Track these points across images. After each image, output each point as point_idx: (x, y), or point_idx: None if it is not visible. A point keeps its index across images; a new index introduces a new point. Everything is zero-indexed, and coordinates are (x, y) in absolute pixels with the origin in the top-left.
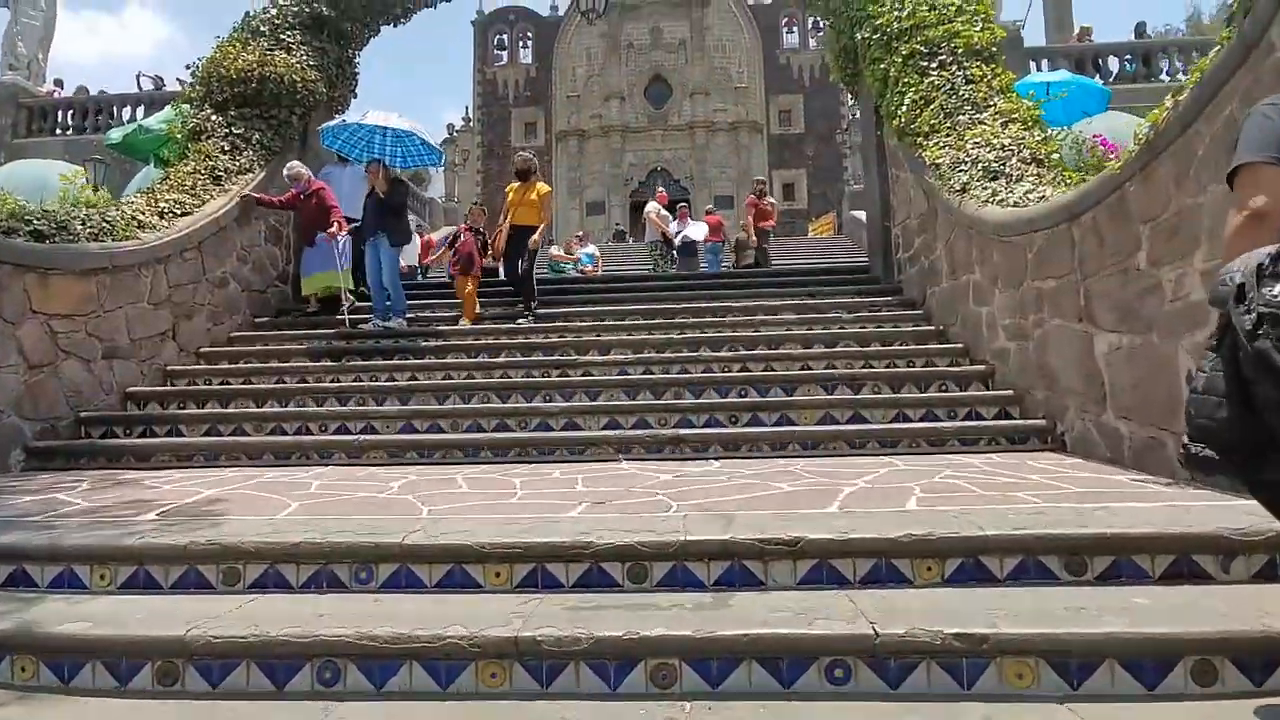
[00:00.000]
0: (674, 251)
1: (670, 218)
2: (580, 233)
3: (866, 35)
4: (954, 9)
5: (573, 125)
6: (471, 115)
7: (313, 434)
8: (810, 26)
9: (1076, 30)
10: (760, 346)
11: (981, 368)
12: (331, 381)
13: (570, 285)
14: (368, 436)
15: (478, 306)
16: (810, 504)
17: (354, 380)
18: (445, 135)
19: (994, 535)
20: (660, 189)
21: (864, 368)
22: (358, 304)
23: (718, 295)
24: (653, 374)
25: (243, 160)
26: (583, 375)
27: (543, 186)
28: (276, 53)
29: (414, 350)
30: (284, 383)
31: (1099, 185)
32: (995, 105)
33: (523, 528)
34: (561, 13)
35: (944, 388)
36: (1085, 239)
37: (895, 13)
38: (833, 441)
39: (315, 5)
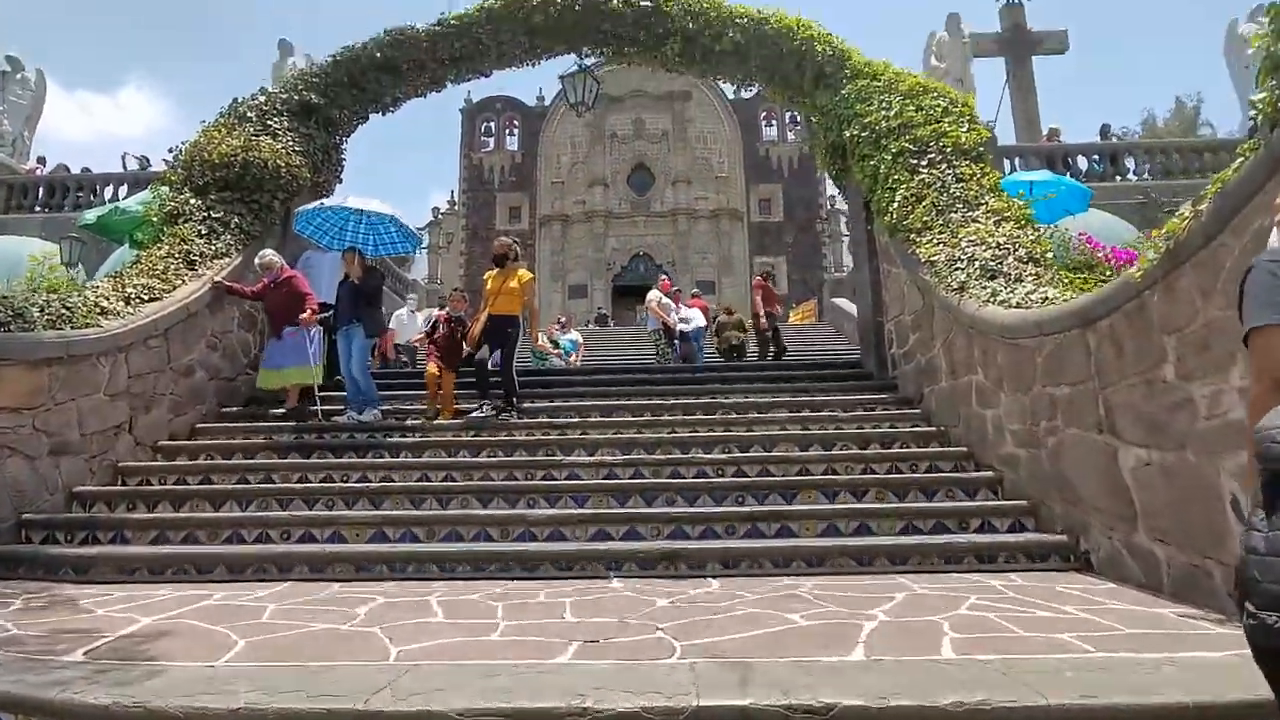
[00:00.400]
0: (676, 341)
1: (672, 306)
2: (562, 318)
3: (855, 133)
4: (940, 110)
5: (557, 210)
6: (457, 199)
7: (274, 542)
8: (788, 120)
9: (1046, 130)
10: (755, 447)
11: (989, 474)
12: (298, 481)
13: (554, 377)
14: (334, 547)
15: (457, 401)
16: (830, 645)
17: (322, 480)
18: (430, 218)
19: (1059, 707)
20: (664, 276)
21: (865, 472)
22: (323, 396)
23: (707, 390)
24: (643, 477)
25: (219, 244)
26: (568, 478)
27: (524, 273)
28: (262, 138)
29: (389, 447)
30: (246, 482)
31: (1116, 291)
32: (987, 203)
33: (505, 685)
34: (548, 103)
35: (951, 495)
36: (1102, 346)
37: (883, 112)
38: (839, 558)
39: (305, 94)
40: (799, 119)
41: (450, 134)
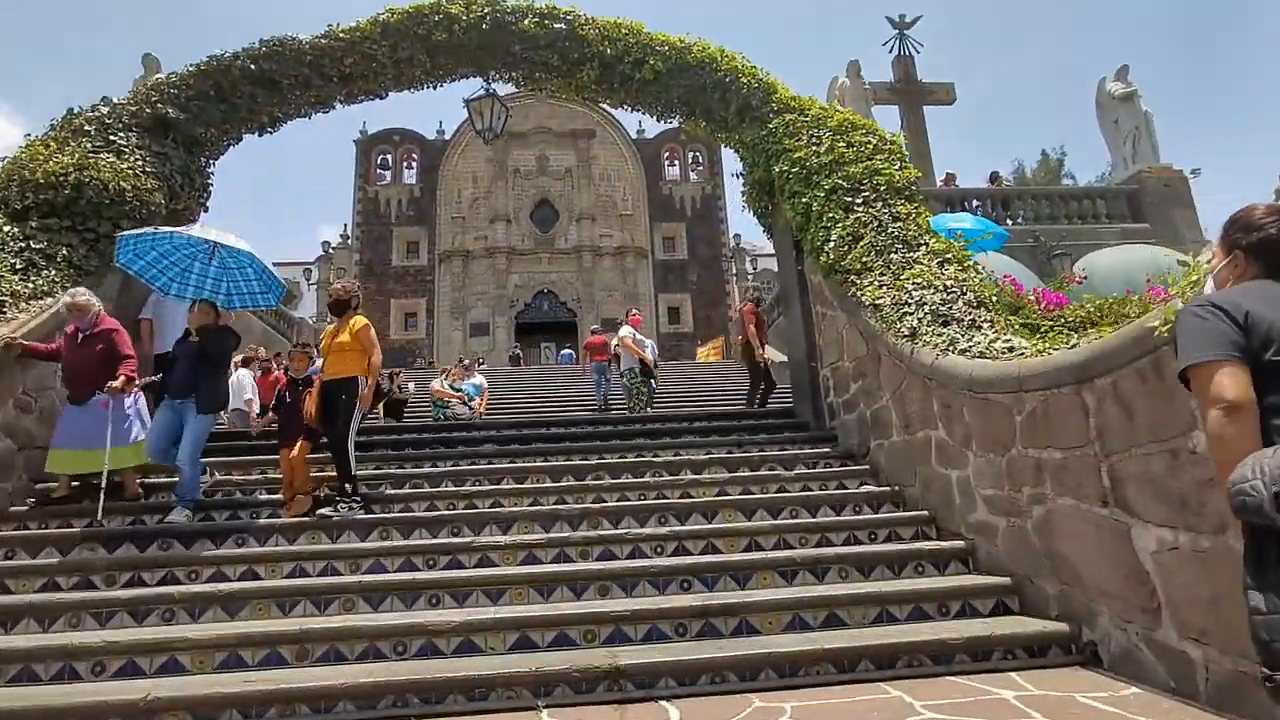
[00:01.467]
0: (652, 381)
1: (647, 343)
2: (465, 360)
3: (784, 168)
4: (870, 147)
5: (457, 245)
6: (350, 232)
7: (81, 679)
8: (690, 161)
9: (943, 176)
10: (695, 516)
11: (960, 544)
12: (127, 584)
13: (456, 434)
14: (167, 683)
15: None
16: None
17: (161, 581)
18: (320, 252)
19: None
20: (635, 311)
21: (821, 543)
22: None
23: (632, 446)
24: (570, 560)
25: (39, 281)
26: (479, 565)
27: (358, 320)
28: (103, 155)
29: (256, 531)
30: (56, 588)
31: (1124, 345)
32: (928, 244)
33: None
34: (448, 135)
35: (921, 569)
36: (1105, 407)
37: (814, 148)
38: (816, 664)
39: (161, 107)
40: (700, 160)
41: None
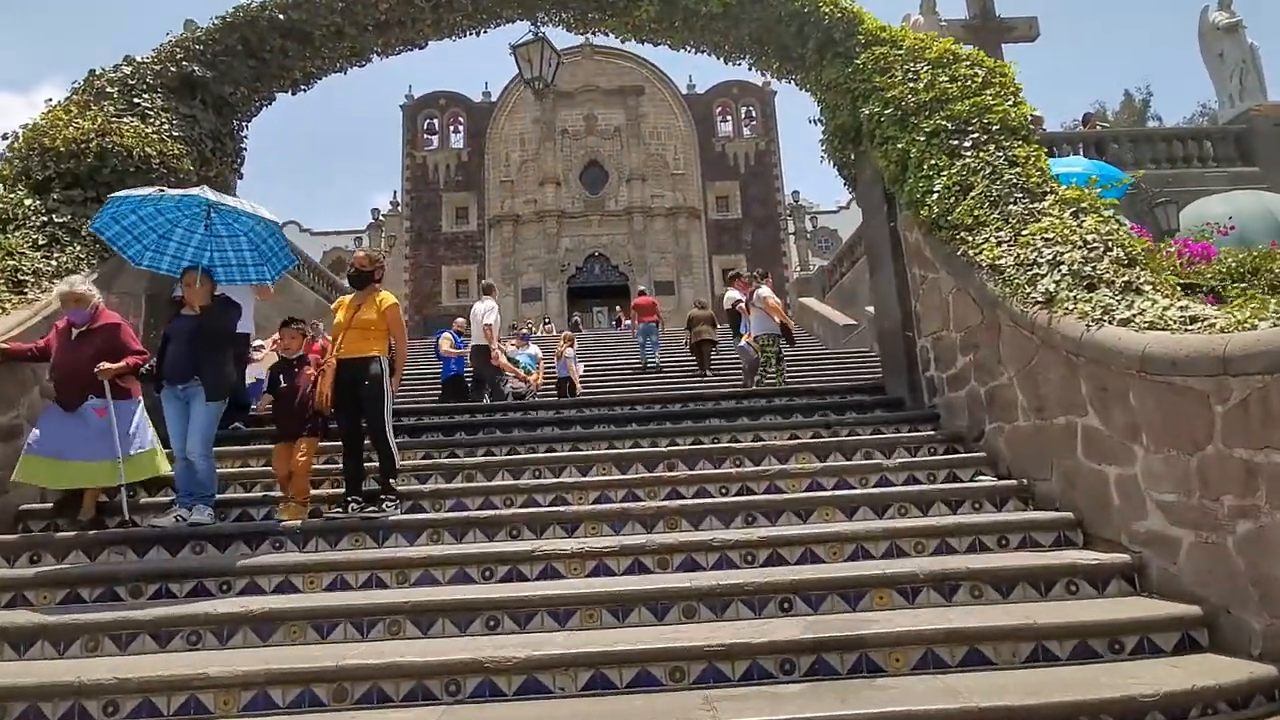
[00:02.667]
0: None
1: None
2: (523, 329)
3: (875, 110)
4: (978, 81)
5: (507, 210)
6: (400, 199)
7: None
8: (743, 116)
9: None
10: (788, 516)
11: (1122, 558)
12: (153, 600)
13: (508, 414)
14: None
15: (310, 488)
16: None
17: (190, 596)
18: (370, 220)
19: None
20: (758, 272)
21: (941, 550)
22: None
23: (706, 428)
24: (647, 571)
25: (63, 258)
26: (542, 576)
27: (385, 296)
28: (126, 119)
29: (283, 533)
30: (80, 601)
31: None
32: (1055, 192)
33: None
34: (494, 98)
35: (1074, 588)
36: None
37: (910, 84)
38: None
39: (187, 65)
40: (754, 114)
41: (392, 130)
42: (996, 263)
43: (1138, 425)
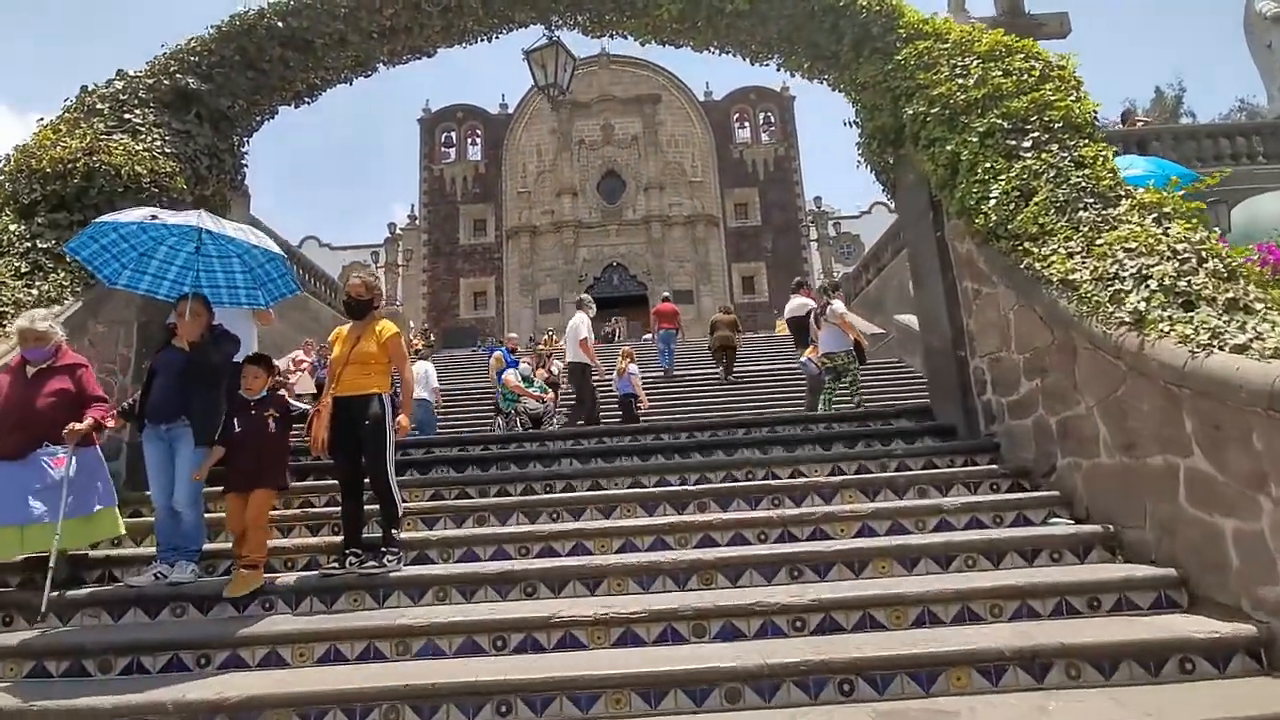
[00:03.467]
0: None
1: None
2: (541, 344)
3: (919, 110)
4: (1035, 75)
5: (524, 221)
6: (418, 213)
7: None
8: (761, 121)
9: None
10: (839, 570)
11: (1248, 629)
12: (124, 676)
13: (524, 446)
14: None
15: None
16: None
17: (163, 672)
18: (387, 234)
19: None
20: (805, 281)
21: (1021, 613)
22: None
23: (738, 462)
24: (682, 639)
25: (46, 287)
26: (561, 648)
27: (386, 325)
28: (116, 137)
29: (281, 591)
30: (45, 677)
31: None
32: (1131, 195)
33: None
34: (511, 110)
35: (1189, 667)
36: None
37: (959, 80)
38: None
39: (179, 78)
40: (773, 119)
41: (409, 145)
42: (1069, 277)
43: (1265, 473)
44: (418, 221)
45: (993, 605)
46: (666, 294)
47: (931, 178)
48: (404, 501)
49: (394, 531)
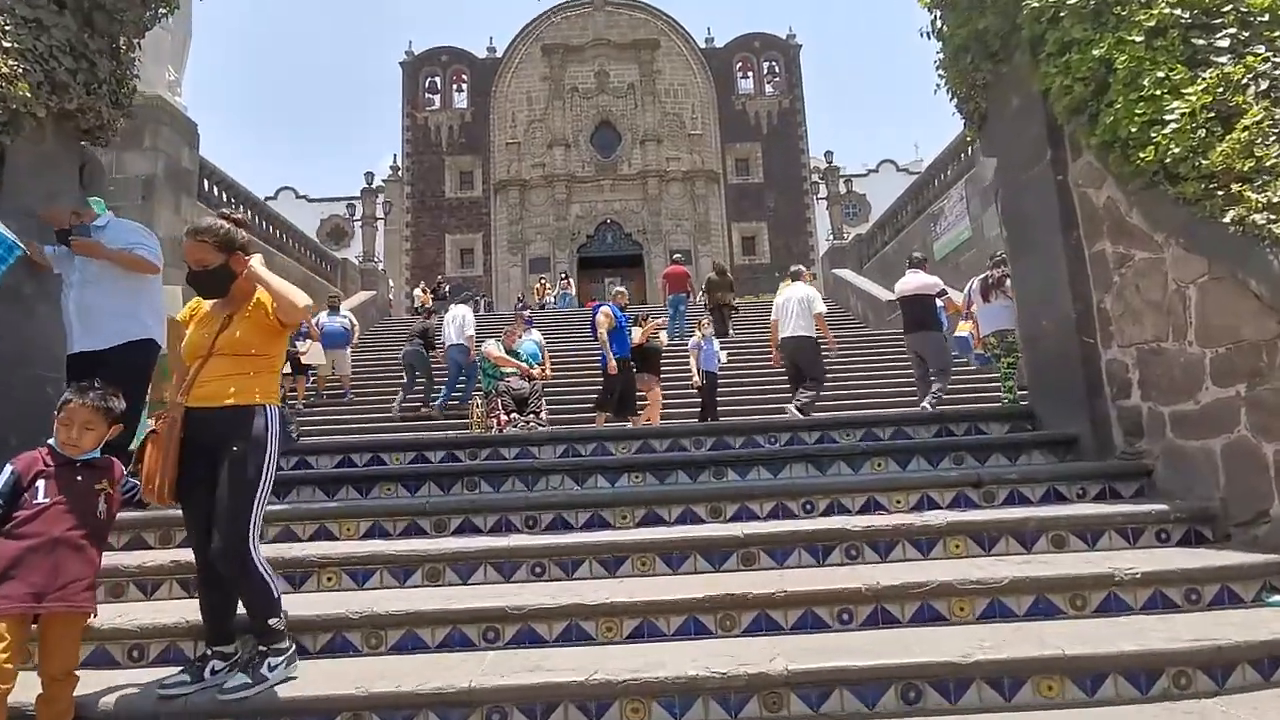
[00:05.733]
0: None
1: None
2: (526, 308)
3: (1044, 2)
4: None
5: (513, 174)
6: (400, 163)
7: None
8: (766, 72)
9: None
10: (978, 689)
11: None
12: None
13: (501, 453)
14: None
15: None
16: None
17: None
18: (364, 184)
19: None
20: (922, 256)
21: None
22: None
23: (788, 489)
24: None
25: None
26: None
27: (265, 294)
28: None
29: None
30: None
31: None
32: None
33: None
34: (500, 53)
35: None
36: None
37: None
38: None
39: None
40: (777, 69)
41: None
42: None
43: None
44: (400, 173)
45: None
46: (678, 254)
47: (1061, 100)
48: (316, 540)
49: (272, 623)
